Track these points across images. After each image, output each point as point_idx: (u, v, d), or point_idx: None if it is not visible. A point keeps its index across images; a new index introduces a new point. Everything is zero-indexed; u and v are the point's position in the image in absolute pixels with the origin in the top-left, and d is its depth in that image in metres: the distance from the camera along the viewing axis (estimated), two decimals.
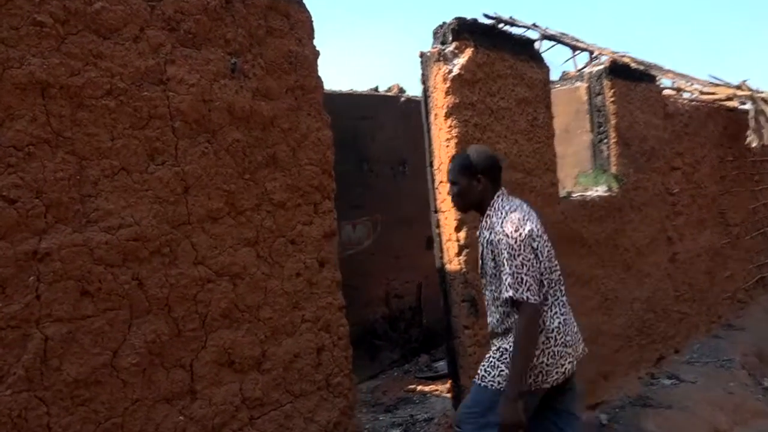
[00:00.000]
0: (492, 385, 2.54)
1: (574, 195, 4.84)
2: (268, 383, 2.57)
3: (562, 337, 2.55)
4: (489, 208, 2.67)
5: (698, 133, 6.73)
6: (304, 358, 2.71)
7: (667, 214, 5.97)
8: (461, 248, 3.65)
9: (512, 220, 2.53)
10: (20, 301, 1.90)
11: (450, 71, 3.63)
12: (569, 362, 2.57)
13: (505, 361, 2.54)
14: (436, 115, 3.72)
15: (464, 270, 3.64)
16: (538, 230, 2.56)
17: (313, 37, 2.83)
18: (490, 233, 2.60)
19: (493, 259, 2.58)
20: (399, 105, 5.92)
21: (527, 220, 2.56)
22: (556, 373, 2.53)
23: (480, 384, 2.60)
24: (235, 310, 2.47)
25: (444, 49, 3.69)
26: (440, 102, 3.66)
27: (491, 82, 3.87)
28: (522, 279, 2.45)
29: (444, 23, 3.76)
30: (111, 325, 2.11)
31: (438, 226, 3.77)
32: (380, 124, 5.69)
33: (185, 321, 2.32)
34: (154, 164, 2.25)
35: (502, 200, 2.67)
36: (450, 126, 3.63)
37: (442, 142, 3.67)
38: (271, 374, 2.58)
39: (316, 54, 2.84)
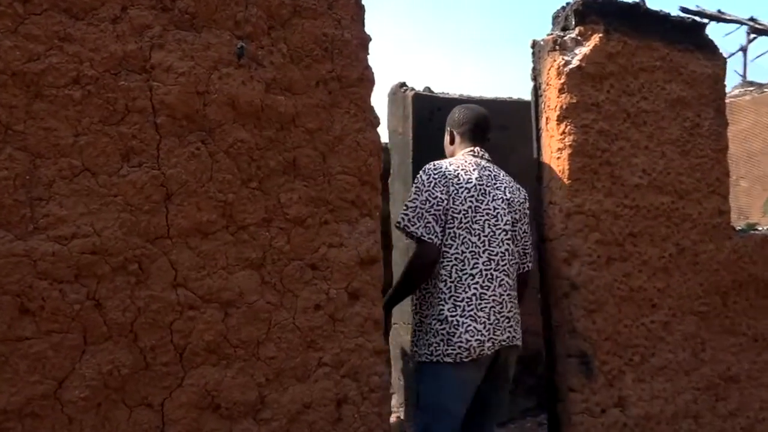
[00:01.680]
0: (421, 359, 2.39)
1: (759, 228, 3.70)
2: None
3: (472, 310, 2.28)
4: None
5: None
6: (318, 411, 2.20)
7: None
8: (571, 287, 2.87)
9: (441, 163, 2.39)
10: None
11: (566, 63, 2.89)
12: (477, 341, 2.27)
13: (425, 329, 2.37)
14: (547, 118, 2.99)
15: (573, 315, 2.86)
16: (478, 186, 2.34)
17: (360, 19, 2.33)
18: None
19: None
20: None
21: (464, 170, 2.35)
22: (459, 347, 2.26)
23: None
24: (224, 345, 2.05)
25: (563, 36, 2.95)
26: (552, 102, 2.93)
27: (629, 77, 3.03)
28: (422, 215, 2.29)
29: (567, 4, 3.03)
30: (56, 351, 1.81)
31: (544, 259, 3.02)
32: (523, 134, 4.95)
33: (156, 353, 1.95)
34: (128, 166, 1.92)
35: (464, 154, 2.49)
36: (563, 132, 2.89)
37: (553, 153, 2.94)
38: (271, 425, 2.12)
39: (364, 39, 2.34)
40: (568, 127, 2.88)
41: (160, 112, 1.96)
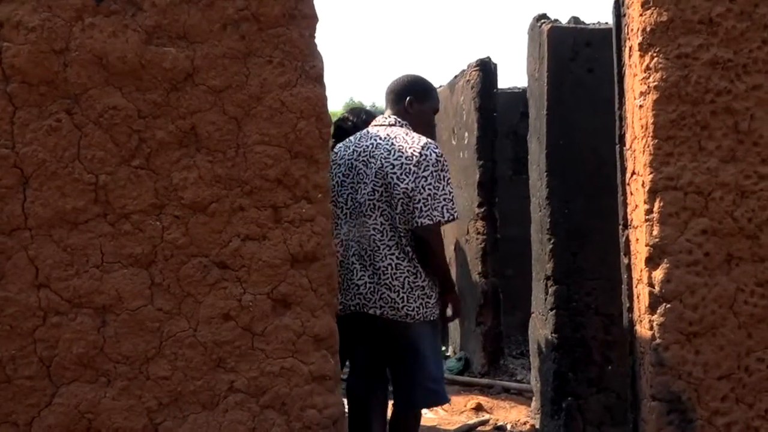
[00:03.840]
0: None
1: None
2: None
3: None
4: None
5: None
6: None
7: None
8: (656, 299, 1.93)
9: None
10: None
11: None
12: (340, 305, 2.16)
13: None
14: (630, 48, 2.04)
15: (659, 339, 1.93)
16: (348, 161, 2.49)
17: None
18: None
19: None
20: None
21: (345, 146, 2.55)
22: None
23: None
24: (101, 359, 1.69)
25: None
26: (635, 24, 1.98)
27: None
28: None
29: None
30: None
31: (627, 252, 2.10)
32: None
33: (16, 364, 1.66)
34: None
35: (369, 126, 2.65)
36: (647, 68, 1.92)
37: (635, 99, 1.99)
38: None
39: None
40: (655, 59, 1.90)
41: (11, 79, 1.63)
